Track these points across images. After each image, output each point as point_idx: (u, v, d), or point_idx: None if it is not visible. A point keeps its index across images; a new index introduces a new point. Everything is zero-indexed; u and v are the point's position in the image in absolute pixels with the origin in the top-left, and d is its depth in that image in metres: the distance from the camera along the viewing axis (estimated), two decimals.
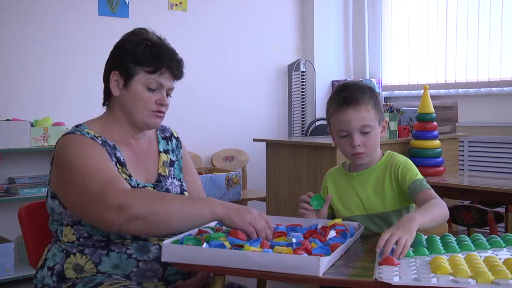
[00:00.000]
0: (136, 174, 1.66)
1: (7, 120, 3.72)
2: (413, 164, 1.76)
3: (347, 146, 1.72)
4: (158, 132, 1.82)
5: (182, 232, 1.48)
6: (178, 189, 1.75)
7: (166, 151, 1.79)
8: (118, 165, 1.60)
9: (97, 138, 1.61)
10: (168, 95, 1.69)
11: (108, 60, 1.69)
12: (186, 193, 1.77)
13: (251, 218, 1.43)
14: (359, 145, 1.69)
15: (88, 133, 1.61)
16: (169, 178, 1.74)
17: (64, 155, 1.55)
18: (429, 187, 1.68)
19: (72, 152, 1.55)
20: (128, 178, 1.61)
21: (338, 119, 1.71)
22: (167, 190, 1.71)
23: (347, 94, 1.71)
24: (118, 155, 1.62)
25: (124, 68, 1.63)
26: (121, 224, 1.40)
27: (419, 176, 1.71)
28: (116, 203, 1.40)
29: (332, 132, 1.79)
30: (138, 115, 1.64)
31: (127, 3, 4.35)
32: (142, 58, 1.62)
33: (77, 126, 1.66)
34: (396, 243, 1.34)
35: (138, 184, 1.63)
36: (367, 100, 1.70)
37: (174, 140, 1.84)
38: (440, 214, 1.54)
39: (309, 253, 1.32)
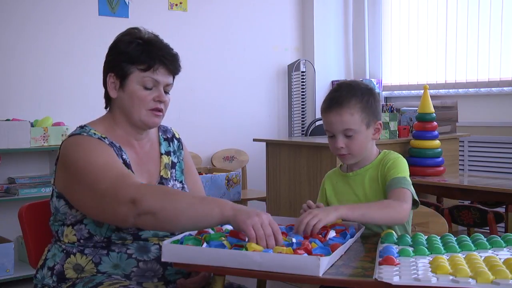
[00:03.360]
0: (139, 176, 1.65)
1: (7, 120, 3.72)
2: (404, 164, 1.73)
3: (333, 147, 1.75)
4: (160, 133, 1.81)
5: (189, 231, 1.48)
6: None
7: (168, 153, 1.78)
8: (124, 166, 1.60)
9: (104, 139, 1.60)
10: (166, 92, 1.67)
11: (104, 63, 1.68)
12: None
13: (256, 223, 1.33)
14: (342, 147, 1.72)
15: (94, 133, 1.61)
16: (171, 180, 1.74)
17: (72, 155, 1.55)
18: (406, 187, 1.64)
19: (79, 152, 1.54)
20: None
21: (324, 119, 1.75)
22: None
23: (334, 96, 1.73)
24: (124, 156, 1.62)
25: (119, 69, 1.62)
26: (135, 217, 1.40)
27: (402, 174, 1.68)
28: (129, 197, 1.39)
29: None
30: (136, 115, 1.63)
31: (127, 3, 4.35)
32: (134, 56, 1.60)
33: (81, 127, 1.65)
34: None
35: None
36: (353, 103, 1.70)
37: (175, 141, 1.83)
38: (383, 216, 1.57)
39: (309, 253, 1.32)
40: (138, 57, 1.60)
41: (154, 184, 1.63)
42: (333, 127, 1.71)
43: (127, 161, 1.62)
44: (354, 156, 1.74)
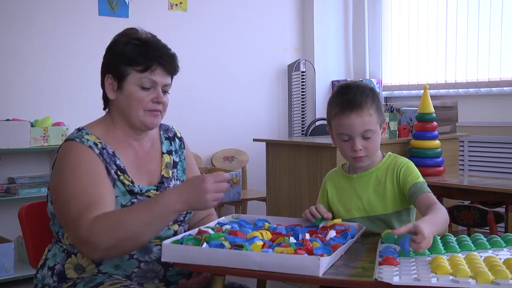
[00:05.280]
0: (138, 178, 1.64)
1: (7, 120, 3.72)
2: (415, 167, 1.75)
3: (348, 150, 1.71)
4: (162, 132, 1.79)
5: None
6: None
7: (169, 152, 1.77)
8: (119, 172, 1.59)
9: (96, 146, 1.59)
10: (165, 92, 1.66)
11: (101, 64, 1.67)
12: None
13: (211, 195, 1.44)
14: (360, 149, 1.68)
15: (88, 140, 1.59)
16: (172, 180, 1.73)
17: (60, 167, 1.57)
18: (430, 191, 1.66)
19: (65, 166, 1.56)
20: (130, 184, 1.60)
21: (340, 123, 1.69)
22: None
23: (350, 98, 1.68)
24: (118, 162, 1.60)
25: (116, 70, 1.61)
26: (100, 256, 1.47)
27: (421, 179, 1.70)
28: (85, 239, 1.44)
29: (333, 133, 1.78)
30: (134, 116, 1.62)
31: (127, 3, 4.35)
32: (132, 57, 1.59)
33: (79, 129, 1.64)
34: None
35: (141, 190, 1.61)
36: (370, 104, 1.68)
37: (177, 140, 1.82)
38: (444, 223, 1.52)
39: (310, 253, 1.31)
40: (135, 58, 1.59)
41: (106, 213, 1.48)
42: (353, 129, 1.67)
43: (121, 166, 1.60)
44: (370, 158, 1.72)
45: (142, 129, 1.67)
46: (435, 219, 1.46)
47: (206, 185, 1.43)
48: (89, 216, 1.44)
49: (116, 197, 1.56)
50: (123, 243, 1.43)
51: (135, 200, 1.58)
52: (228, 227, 1.56)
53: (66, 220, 1.51)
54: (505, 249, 1.43)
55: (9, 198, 3.59)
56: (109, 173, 1.57)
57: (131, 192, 1.59)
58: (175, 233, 1.65)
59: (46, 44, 4.02)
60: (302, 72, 5.27)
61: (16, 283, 3.56)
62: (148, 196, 1.62)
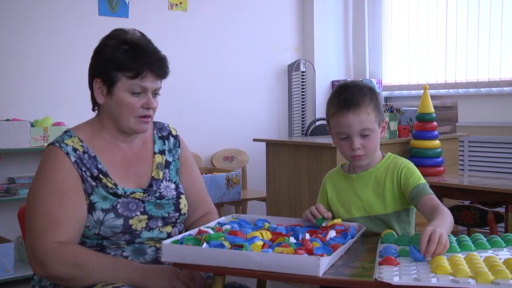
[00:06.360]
0: (124, 181, 1.62)
1: (7, 120, 3.72)
2: (416, 168, 1.74)
3: (347, 148, 1.71)
4: (155, 131, 1.76)
5: None
6: (174, 192, 1.70)
7: (162, 152, 1.73)
8: (101, 175, 1.58)
9: (75, 151, 1.57)
10: (156, 94, 1.64)
11: (89, 66, 1.65)
12: (183, 196, 1.72)
13: (170, 285, 1.47)
14: (358, 148, 1.68)
15: (67, 145, 1.58)
16: (164, 181, 1.69)
17: (37, 174, 1.58)
18: (432, 192, 1.66)
19: (40, 174, 1.56)
20: (114, 187, 1.58)
21: (338, 121, 1.69)
22: (161, 195, 1.66)
23: (348, 97, 1.68)
24: (99, 166, 1.59)
25: (106, 75, 1.59)
26: (45, 276, 1.51)
27: (422, 180, 1.69)
28: (40, 259, 1.47)
29: (332, 133, 1.78)
30: (124, 122, 1.60)
31: (127, 3, 4.35)
32: (122, 63, 1.56)
33: (66, 131, 1.64)
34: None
35: (125, 192, 1.60)
36: (367, 102, 1.68)
37: (171, 139, 1.78)
38: (450, 225, 1.49)
39: (310, 253, 1.31)
40: (125, 64, 1.56)
41: (71, 245, 1.51)
42: (351, 128, 1.67)
43: (104, 170, 1.59)
44: (368, 157, 1.72)
45: (132, 134, 1.66)
46: (442, 223, 1.44)
47: (173, 275, 1.48)
48: (51, 239, 1.47)
49: (96, 203, 1.55)
50: (73, 280, 1.47)
51: (119, 201, 1.57)
52: (228, 227, 1.55)
53: (29, 229, 1.52)
54: (505, 249, 1.43)
55: (9, 198, 3.59)
56: (85, 180, 1.56)
57: (115, 195, 1.58)
58: (169, 235, 1.64)
59: (46, 44, 4.02)
60: (302, 72, 5.27)
61: (16, 283, 3.56)
62: (134, 198, 1.60)
